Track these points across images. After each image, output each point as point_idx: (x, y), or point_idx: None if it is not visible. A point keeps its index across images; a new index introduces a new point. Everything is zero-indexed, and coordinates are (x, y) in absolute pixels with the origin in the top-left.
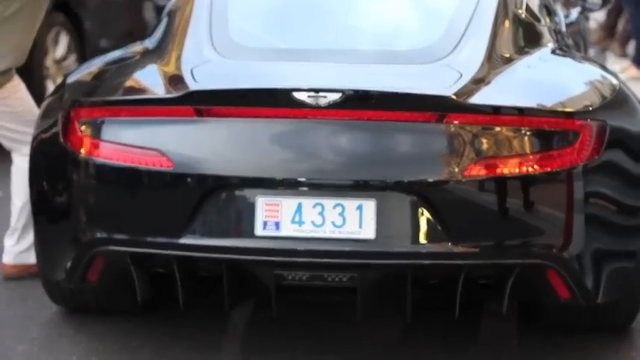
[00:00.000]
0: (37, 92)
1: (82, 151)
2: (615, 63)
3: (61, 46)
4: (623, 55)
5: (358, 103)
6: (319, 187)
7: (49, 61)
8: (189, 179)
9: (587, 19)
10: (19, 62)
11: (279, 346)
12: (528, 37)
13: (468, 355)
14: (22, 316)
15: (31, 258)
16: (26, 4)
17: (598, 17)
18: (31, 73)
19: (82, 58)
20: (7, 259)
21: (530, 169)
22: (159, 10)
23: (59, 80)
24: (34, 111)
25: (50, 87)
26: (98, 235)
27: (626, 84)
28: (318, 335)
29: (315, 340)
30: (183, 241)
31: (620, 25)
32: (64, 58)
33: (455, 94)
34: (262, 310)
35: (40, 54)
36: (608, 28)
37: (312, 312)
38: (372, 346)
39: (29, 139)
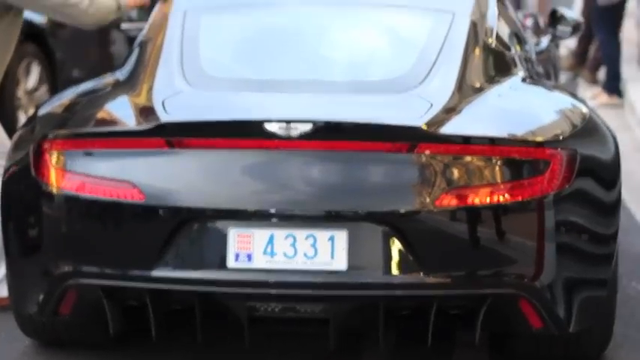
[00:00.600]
0: (8, 123)
1: (53, 183)
2: (586, 89)
3: (32, 76)
4: (594, 81)
5: (329, 133)
6: (291, 219)
7: (20, 92)
8: (160, 211)
9: (557, 46)
10: None
11: None
12: (499, 66)
13: None
14: None
15: (3, 291)
16: None
17: (569, 44)
18: (3, 103)
19: (54, 89)
20: None
21: (502, 198)
22: (130, 40)
23: (31, 111)
24: (6, 142)
25: (22, 118)
26: (70, 268)
27: (596, 112)
28: None
29: None
30: (155, 273)
31: (591, 52)
32: (35, 89)
33: (425, 124)
34: (235, 342)
35: (12, 85)
36: (580, 55)
37: (286, 343)
38: None
39: (0, 170)
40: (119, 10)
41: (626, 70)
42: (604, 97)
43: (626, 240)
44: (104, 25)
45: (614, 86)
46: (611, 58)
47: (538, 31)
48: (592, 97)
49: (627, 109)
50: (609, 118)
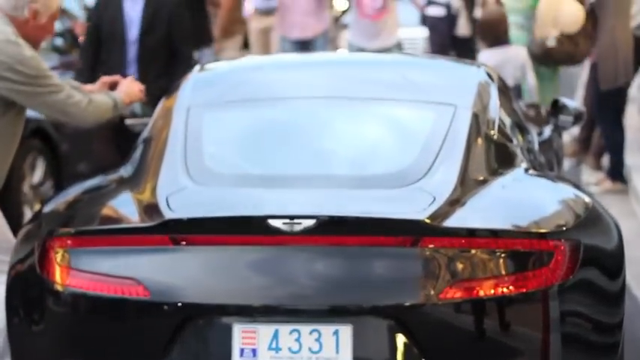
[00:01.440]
0: (14, 218)
1: (58, 280)
2: (590, 175)
3: (37, 171)
4: (598, 167)
5: (333, 228)
6: (295, 314)
7: (26, 187)
8: (165, 307)
9: (560, 135)
10: None
11: None
12: (501, 158)
13: None
14: None
15: None
16: (0, 131)
17: (573, 131)
18: (8, 199)
19: (59, 183)
20: None
21: (506, 290)
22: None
23: (37, 206)
24: (10, 238)
25: (28, 213)
26: None
27: (599, 201)
28: None
29: None
30: None
31: (595, 138)
32: (41, 184)
33: (429, 218)
34: None
35: (17, 180)
36: (583, 141)
37: None
38: None
39: (5, 267)
40: (116, 108)
41: (630, 156)
42: (608, 184)
43: (633, 327)
44: (101, 122)
45: (618, 173)
46: (615, 144)
47: (541, 121)
48: (596, 183)
49: (632, 195)
50: (613, 204)
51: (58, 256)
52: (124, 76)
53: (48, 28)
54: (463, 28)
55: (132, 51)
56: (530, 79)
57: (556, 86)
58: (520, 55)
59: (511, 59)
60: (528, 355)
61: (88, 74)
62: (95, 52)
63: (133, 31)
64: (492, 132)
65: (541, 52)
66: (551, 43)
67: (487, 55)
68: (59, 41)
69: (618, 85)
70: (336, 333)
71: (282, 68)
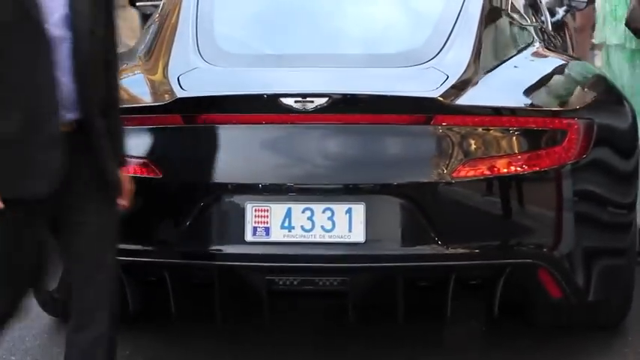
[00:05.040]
0: None
1: None
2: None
3: None
4: None
5: (345, 106)
6: (308, 192)
7: None
8: (177, 187)
9: (573, 17)
10: None
11: (272, 352)
12: (514, 37)
13: (460, 354)
14: (15, 327)
15: None
16: None
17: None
18: None
19: None
20: None
21: (519, 168)
22: (145, 18)
23: None
24: None
25: None
26: None
27: (613, 81)
28: (311, 341)
29: (307, 345)
30: (173, 249)
31: None
32: None
33: (442, 96)
34: (254, 316)
35: None
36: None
37: (304, 317)
38: (365, 348)
39: None
40: None
41: None
42: None
43: None
44: None
45: None
46: None
47: (554, 2)
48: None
49: None
50: None
51: None
52: None
53: None
54: None
55: None
56: None
57: None
58: None
59: None
60: (541, 233)
61: None
62: None
63: None
64: (506, 11)
65: None
66: None
67: None
68: None
69: None
70: (348, 211)
71: None
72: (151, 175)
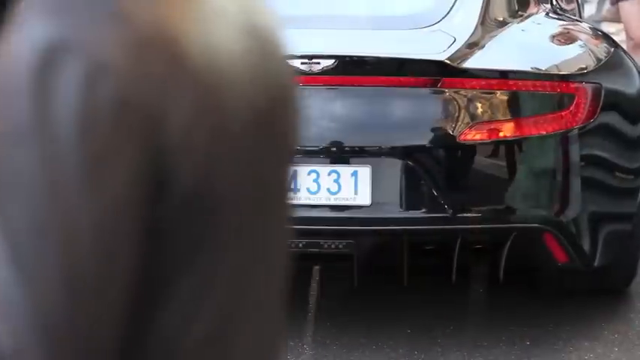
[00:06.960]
0: None
1: None
2: (610, 26)
3: None
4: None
5: (352, 68)
6: (314, 154)
7: None
8: None
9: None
10: None
11: None
12: (522, 1)
13: (465, 319)
14: None
15: None
16: None
17: None
18: None
19: None
20: None
21: (526, 132)
22: None
23: None
24: None
25: None
26: None
27: (621, 46)
28: (315, 305)
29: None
30: None
31: None
32: None
33: (449, 59)
34: None
35: None
36: None
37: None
38: (369, 314)
39: None
40: None
41: None
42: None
43: None
44: None
45: None
46: None
47: None
48: (616, 33)
49: None
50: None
51: None
52: None
53: None
54: None
55: None
56: None
57: None
58: None
59: None
60: (547, 197)
61: None
62: None
63: None
64: None
65: None
66: None
67: None
68: None
69: None
70: (354, 174)
71: None
72: None
